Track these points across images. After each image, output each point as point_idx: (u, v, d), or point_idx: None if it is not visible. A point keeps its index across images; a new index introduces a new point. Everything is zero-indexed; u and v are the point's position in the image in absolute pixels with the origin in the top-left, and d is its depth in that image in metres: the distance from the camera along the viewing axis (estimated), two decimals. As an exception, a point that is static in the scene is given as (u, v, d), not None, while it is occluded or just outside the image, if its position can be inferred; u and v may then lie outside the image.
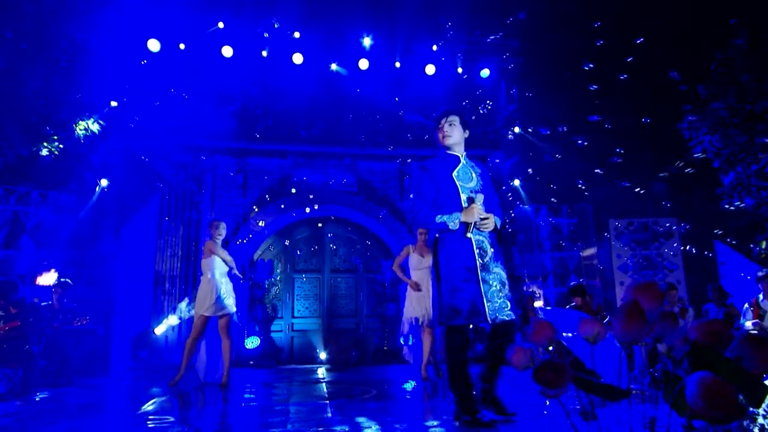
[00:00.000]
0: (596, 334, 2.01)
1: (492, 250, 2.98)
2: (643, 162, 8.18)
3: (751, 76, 6.56)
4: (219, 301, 5.17)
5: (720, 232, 7.41)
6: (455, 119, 3.14)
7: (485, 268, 2.92)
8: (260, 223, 7.95)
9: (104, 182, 7.65)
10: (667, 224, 8.37)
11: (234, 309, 5.32)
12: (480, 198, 2.96)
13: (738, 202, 6.87)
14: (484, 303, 2.85)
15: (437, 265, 3.00)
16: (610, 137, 8.19)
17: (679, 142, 7.40)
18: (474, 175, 3.10)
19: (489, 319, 2.85)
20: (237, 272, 5.49)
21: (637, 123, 7.99)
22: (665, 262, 8.28)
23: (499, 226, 3.03)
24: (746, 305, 5.86)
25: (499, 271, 2.95)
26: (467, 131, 3.20)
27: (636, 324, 1.58)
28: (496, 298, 2.89)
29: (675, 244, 8.28)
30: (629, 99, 8.01)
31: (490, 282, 2.90)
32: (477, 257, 2.92)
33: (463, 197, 2.98)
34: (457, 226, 2.94)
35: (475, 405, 2.90)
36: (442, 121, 3.14)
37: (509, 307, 2.92)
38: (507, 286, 2.96)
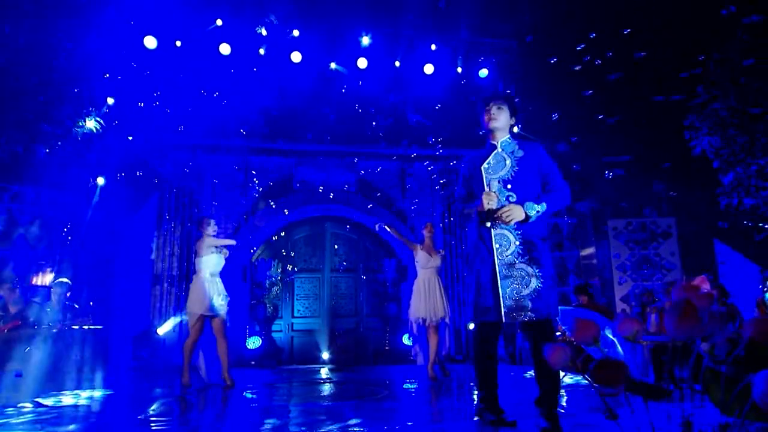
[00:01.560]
0: (635, 333, 2.00)
1: (518, 243, 2.79)
2: (642, 162, 8.24)
3: (750, 76, 6.63)
4: (210, 300, 5.11)
5: (722, 228, 7.46)
6: (504, 104, 3.00)
7: (507, 263, 2.77)
8: (260, 223, 7.88)
9: (101, 181, 7.54)
10: (666, 224, 8.44)
11: (225, 310, 5.24)
12: (494, 185, 2.82)
13: (737, 202, 6.94)
14: (500, 301, 2.74)
15: (468, 261, 2.96)
16: (608, 137, 8.24)
17: (679, 142, 7.45)
18: (508, 162, 2.91)
19: (503, 319, 2.73)
20: (226, 249, 5.40)
21: (636, 123, 8.04)
22: (663, 262, 8.35)
23: (533, 216, 2.77)
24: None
25: (524, 267, 2.76)
26: (514, 119, 3.05)
27: (690, 322, 1.58)
28: (513, 297, 2.73)
29: (673, 244, 8.35)
30: (628, 99, 8.06)
31: (512, 279, 2.74)
32: (496, 252, 2.78)
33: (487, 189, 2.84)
34: (471, 216, 2.87)
35: (499, 404, 2.86)
36: (491, 104, 2.99)
37: (530, 307, 2.71)
38: (535, 284, 2.73)
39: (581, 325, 1.89)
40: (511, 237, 2.81)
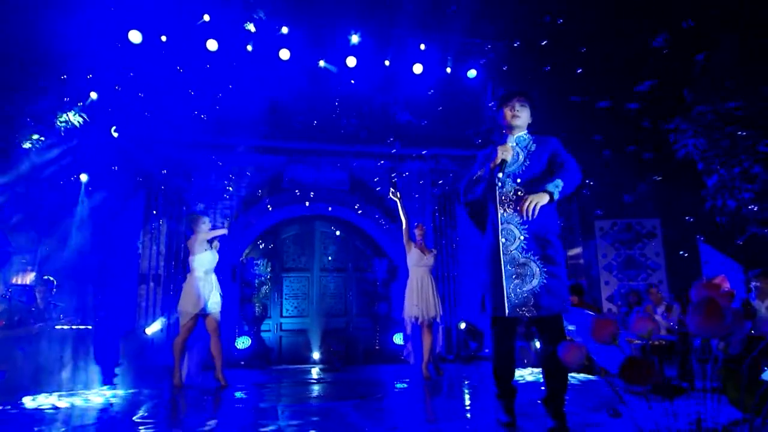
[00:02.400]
0: (650, 331, 2.02)
1: (523, 238, 2.76)
2: (627, 163, 8.37)
3: (735, 80, 6.78)
4: (205, 298, 5.05)
5: (705, 234, 7.64)
6: (526, 102, 2.96)
7: (511, 258, 2.75)
8: (250, 221, 7.80)
9: (84, 177, 7.37)
10: (650, 225, 8.60)
11: (219, 308, 5.19)
12: (510, 139, 2.87)
13: (721, 204, 7.10)
14: (503, 296, 2.71)
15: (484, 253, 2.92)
16: (594, 138, 8.35)
17: (665, 144, 7.59)
18: (521, 156, 2.89)
19: (507, 313, 2.71)
20: (217, 242, 5.36)
21: (622, 124, 8.16)
22: (648, 262, 8.50)
23: (555, 193, 2.67)
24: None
25: (528, 263, 2.73)
26: (531, 118, 3.01)
27: (714, 320, 1.60)
28: (517, 292, 2.71)
29: (658, 245, 8.51)
30: (615, 101, 8.17)
31: (515, 273, 2.73)
32: (501, 247, 2.77)
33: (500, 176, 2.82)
34: (481, 184, 2.86)
35: (513, 403, 2.85)
36: (514, 100, 2.94)
37: (532, 302, 2.69)
38: (539, 280, 2.70)
39: (599, 324, 1.90)
40: (516, 232, 2.79)
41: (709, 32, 6.90)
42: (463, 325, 7.93)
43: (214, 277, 5.24)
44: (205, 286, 5.11)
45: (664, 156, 7.86)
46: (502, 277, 2.74)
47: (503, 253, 2.77)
